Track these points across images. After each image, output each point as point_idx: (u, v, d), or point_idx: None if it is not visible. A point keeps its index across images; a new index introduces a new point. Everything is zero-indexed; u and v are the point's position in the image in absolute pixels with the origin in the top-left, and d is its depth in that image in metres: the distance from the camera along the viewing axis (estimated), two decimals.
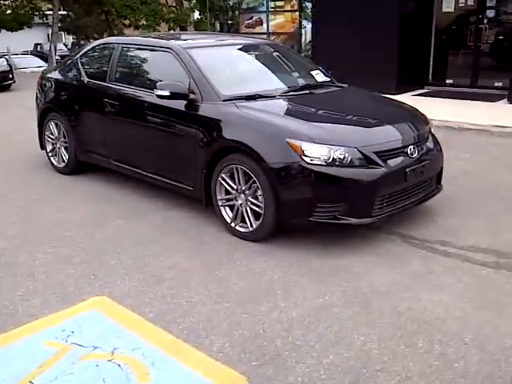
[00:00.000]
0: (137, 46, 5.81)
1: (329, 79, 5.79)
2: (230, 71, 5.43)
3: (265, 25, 16.22)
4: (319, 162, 4.12)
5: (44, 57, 26.62)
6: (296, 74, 5.84)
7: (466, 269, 4.01)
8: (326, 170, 4.12)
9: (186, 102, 4.81)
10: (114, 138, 5.82)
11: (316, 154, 4.13)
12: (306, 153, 4.13)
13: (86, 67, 6.30)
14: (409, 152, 4.45)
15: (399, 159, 4.41)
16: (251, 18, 16.62)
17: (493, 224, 4.85)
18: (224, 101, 4.72)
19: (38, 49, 31.72)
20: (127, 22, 29.28)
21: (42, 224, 5.10)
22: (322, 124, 4.57)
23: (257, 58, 5.93)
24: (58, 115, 6.46)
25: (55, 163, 6.76)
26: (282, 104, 4.96)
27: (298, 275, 3.98)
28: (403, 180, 4.39)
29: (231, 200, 4.59)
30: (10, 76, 16.28)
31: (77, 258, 4.34)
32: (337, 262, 4.16)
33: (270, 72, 5.70)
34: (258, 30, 16.34)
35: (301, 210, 4.25)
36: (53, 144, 6.74)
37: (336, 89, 5.60)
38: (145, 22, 28.29)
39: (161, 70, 5.36)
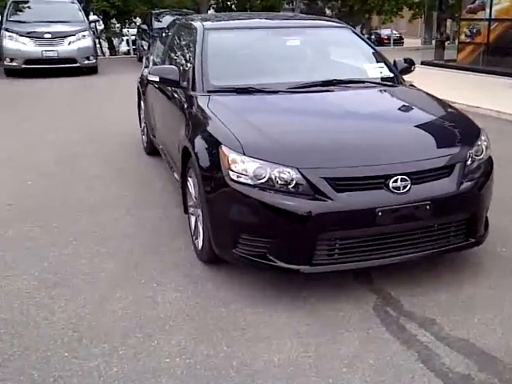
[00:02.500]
0: (176, 28, 5.33)
1: (389, 75, 4.48)
2: (246, 58, 4.56)
3: (487, 9, 13.95)
4: (246, 181, 3.16)
5: None
6: (338, 66, 4.64)
7: None
8: (252, 192, 3.14)
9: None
10: (155, 122, 5.69)
11: (244, 169, 3.17)
12: (232, 166, 3.20)
13: None
14: (391, 185, 3.14)
15: (368, 193, 3.15)
16: (474, 2, 14.52)
17: None
18: (208, 91, 3.96)
19: None
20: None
21: None
22: (280, 133, 3.49)
23: (295, 44, 4.85)
24: (142, 97, 6.48)
25: (143, 141, 6.79)
26: (266, 102, 4.01)
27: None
28: (371, 223, 3.12)
29: (194, 209, 3.85)
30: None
31: None
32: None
33: (296, 62, 4.64)
34: (479, 15, 14.20)
35: (225, 237, 3.37)
36: (143, 124, 6.80)
37: (376, 89, 4.31)
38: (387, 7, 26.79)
39: (188, 52, 4.74)
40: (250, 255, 3.25)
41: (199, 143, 3.59)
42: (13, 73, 14.18)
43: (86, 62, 14.38)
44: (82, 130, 8.07)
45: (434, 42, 19.62)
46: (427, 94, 4.30)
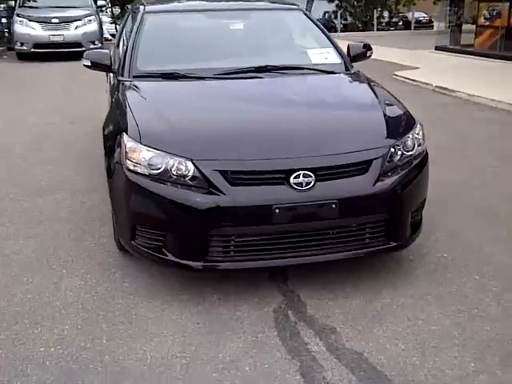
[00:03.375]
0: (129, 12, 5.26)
1: (335, 62, 4.17)
2: (183, 42, 4.31)
3: None
4: (141, 171, 3.00)
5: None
6: (279, 52, 4.35)
7: None
8: (145, 182, 2.98)
9: None
10: None
11: (140, 158, 3.01)
12: (129, 155, 3.04)
13: None
14: (292, 181, 2.91)
15: (266, 188, 2.93)
16: None
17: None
18: (134, 77, 3.82)
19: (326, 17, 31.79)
20: None
21: None
22: (184, 122, 3.30)
23: (238, 28, 4.59)
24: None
25: None
26: (187, 88, 3.83)
27: None
28: (267, 221, 2.91)
29: None
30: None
31: None
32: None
33: (236, 46, 4.34)
34: None
35: (124, 227, 3.22)
36: None
37: (310, 76, 4.01)
38: None
39: (128, 37, 4.56)
40: (146, 248, 3.10)
41: (108, 130, 3.48)
42: (24, 56, 14.54)
43: (92, 46, 14.48)
44: (67, 112, 8.08)
45: (449, 25, 18.46)
46: (369, 82, 3.96)
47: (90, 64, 4.08)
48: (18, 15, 14.65)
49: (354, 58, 4.37)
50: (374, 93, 3.73)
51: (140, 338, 2.85)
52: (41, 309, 3.09)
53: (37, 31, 14.40)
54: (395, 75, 11.96)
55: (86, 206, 4.45)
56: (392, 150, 3.14)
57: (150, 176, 2.96)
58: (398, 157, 3.17)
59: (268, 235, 2.99)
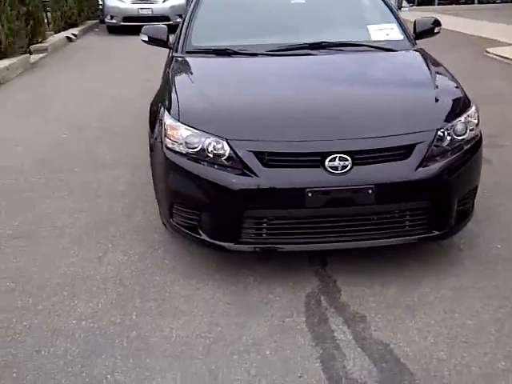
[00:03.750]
0: None
1: (397, 38, 3.97)
2: (240, 18, 4.25)
3: None
4: (178, 149, 3.03)
5: None
6: (339, 27, 4.19)
7: None
8: (181, 161, 3.00)
9: None
10: None
11: (178, 137, 3.03)
12: (168, 133, 3.08)
13: None
14: (327, 164, 2.83)
15: (299, 171, 2.87)
16: None
17: None
18: (187, 52, 3.84)
19: None
20: None
21: None
22: (225, 100, 3.25)
23: (300, 2, 4.47)
24: None
25: None
26: (236, 65, 3.80)
27: None
28: (300, 204, 2.86)
29: None
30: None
31: None
32: None
33: (295, 22, 4.21)
34: None
35: (164, 205, 3.28)
36: None
37: (367, 53, 3.84)
38: None
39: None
40: (183, 226, 3.13)
41: (153, 107, 3.50)
42: (114, 30, 14.92)
43: (179, 19, 14.52)
44: (142, 86, 8.20)
45: None
46: (428, 60, 3.73)
47: (147, 39, 4.12)
48: None
49: (419, 34, 4.16)
50: (430, 72, 3.52)
51: (169, 315, 2.90)
52: (81, 282, 3.20)
53: (126, 4, 14.72)
54: (487, 52, 11.24)
55: (141, 182, 4.53)
56: (440, 133, 2.96)
57: (187, 155, 2.97)
58: (447, 141, 2.99)
59: (301, 219, 2.93)
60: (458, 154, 3.01)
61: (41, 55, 10.84)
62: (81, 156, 5.27)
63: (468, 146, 3.07)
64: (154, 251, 3.50)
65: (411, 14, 19.09)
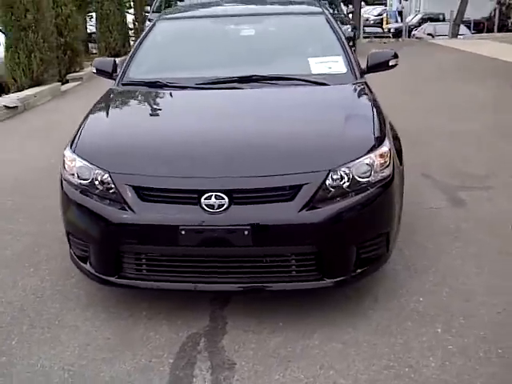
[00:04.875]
0: None
1: (338, 72, 3.80)
2: (182, 50, 4.23)
3: None
4: (72, 180, 3.05)
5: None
6: (277, 60, 4.01)
7: None
8: (73, 192, 3.02)
9: None
10: None
11: (72, 168, 3.05)
12: (65, 164, 3.11)
13: None
14: (203, 202, 2.73)
15: (175, 207, 2.78)
16: None
17: None
18: (123, 84, 3.88)
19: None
20: None
21: None
22: (122, 134, 3.25)
23: (248, 34, 4.38)
24: None
25: None
26: (157, 98, 3.80)
27: None
28: (174, 242, 2.77)
29: None
30: (351, 43, 16.01)
31: None
32: None
33: (236, 55, 4.12)
34: None
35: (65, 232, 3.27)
36: None
37: (296, 87, 3.67)
38: None
39: None
40: (77, 257, 3.11)
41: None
42: None
43: None
44: None
45: None
46: (360, 95, 3.55)
47: (95, 71, 4.21)
48: (149, 20, 15.56)
49: (371, 67, 3.98)
50: (352, 108, 3.33)
51: (46, 344, 2.87)
52: None
53: None
54: None
55: None
56: (334, 174, 2.78)
57: (79, 186, 2.96)
58: (345, 183, 2.80)
59: (178, 257, 2.83)
60: (356, 196, 2.82)
61: (75, 83, 11.38)
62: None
63: (372, 188, 2.86)
64: (69, 278, 3.49)
65: (461, 42, 18.53)
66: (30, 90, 9.76)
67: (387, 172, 2.93)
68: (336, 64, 3.81)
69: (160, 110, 3.59)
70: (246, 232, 2.67)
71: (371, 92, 3.66)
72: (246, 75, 3.68)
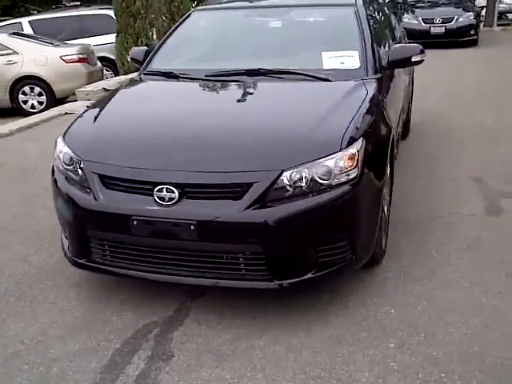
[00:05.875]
0: None
1: (351, 67, 3.63)
2: (208, 41, 4.30)
3: None
4: (60, 166, 3.24)
5: None
6: (296, 54, 3.91)
7: None
8: (58, 176, 3.23)
9: None
10: None
11: (59, 154, 3.26)
12: (56, 150, 3.33)
13: None
14: (155, 194, 2.80)
15: (132, 198, 2.87)
16: None
17: None
18: (144, 74, 4.06)
19: None
20: None
21: None
22: (109, 123, 3.39)
23: (276, 26, 4.27)
24: None
25: None
26: (165, 88, 3.89)
27: None
28: (127, 231, 2.87)
29: None
30: (472, 32, 14.75)
31: None
32: None
33: (257, 47, 4.08)
34: None
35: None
36: None
37: (298, 83, 3.58)
38: None
39: None
40: (62, 239, 3.33)
41: None
42: None
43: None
44: None
45: None
46: (358, 93, 3.34)
47: (130, 59, 4.41)
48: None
49: (391, 63, 3.78)
50: (335, 107, 3.17)
51: (20, 317, 3.09)
52: None
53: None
54: None
55: None
56: (288, 174, 2.72)
57: (63, 172, 3.15)
58: (303, 183, 2.73)
59: (134, 246, 2.92)
60: (312, 198, 2.73)
61: None
62: None
63: (332, 190, 2.75)
64: None
65: None
66: (134, 73, 10.32)
67: (352, 175, 2.79)
68: (350, 59, 3.66)
69: (151, 102, 3.68)
70: (192, 227, 2.69)
71: (379, 90, 3.49)
72: (254, 68, 3.67)
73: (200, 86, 3.73)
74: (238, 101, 3.49)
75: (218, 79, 3.70)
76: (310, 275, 2.80)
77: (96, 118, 3.40)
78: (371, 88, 3.43)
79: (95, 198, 2.90)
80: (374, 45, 3.77)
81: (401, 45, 3.93)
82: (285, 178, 2.70)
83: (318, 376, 2.55)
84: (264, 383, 2.53)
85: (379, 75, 3.64)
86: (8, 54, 9.23)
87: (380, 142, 3.15)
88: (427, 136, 6.28)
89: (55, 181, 3.22)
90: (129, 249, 2.93)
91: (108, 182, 2.90)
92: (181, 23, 4.40)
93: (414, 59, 3.75)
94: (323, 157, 2.75)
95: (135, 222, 2.78)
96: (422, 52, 3.76)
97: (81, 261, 3.09)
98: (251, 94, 3.57)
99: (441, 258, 3.51)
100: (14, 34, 9.89)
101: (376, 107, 3.28)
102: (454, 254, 3.54)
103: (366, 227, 2.95)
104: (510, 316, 2.90)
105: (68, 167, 3.11)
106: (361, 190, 2.84)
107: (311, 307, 3.05)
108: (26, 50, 9.28)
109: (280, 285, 2.78)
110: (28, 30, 11.26)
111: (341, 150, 2.79)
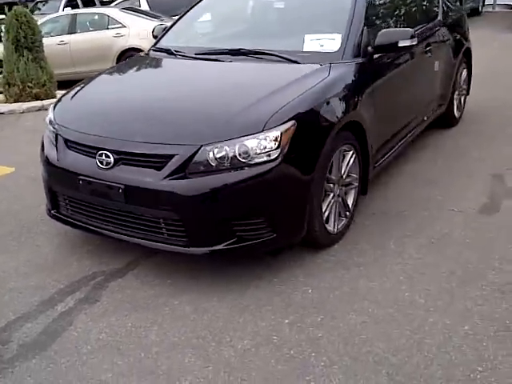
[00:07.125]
0: None
1: (329, 51, 3.63)
2: (215, 20, 4.56)
3: None
4: (48, 128, 3.74)
5: None
6: (284, 35, 4.01)
7: None
8: (44, 137, 3.73)
9: None
10: None
11: (46, 116, 3.76)
12: (47, 116, 3.82)
13: None
14: (97, 158, 3.16)
15: (82, 159, 3.26)
16: None
17: None
18: (153, 50, 4.44)
19: None
20: None
21: None
22: (89, 94, 3.81)
23: (279, 7, 4.38)
24: None
25: None
26: (153, 64, 4.28)
27: None
28: (76, 188, 3.26)
29: None
30: None
31: None
32: None
33: (254, 28, 4.33)
34: None
35: None
36: None
37: (271, 64, 3.69)
38: None
39: None
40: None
41: None
42: None
43: None
44: None
45: None
46: (317, 77, 3.36)
47: (153, 36, 4.77)
48: None
49: (377, 48, 3.76)
50: (284, 88, 3.27)
51: (3, 254, 3.66)
52: None
53: None
54: None
55: None
56: (212, 150, 2.94)
57: (47, 133, 3.64)
58: (223, 159, 2.93)
59: (84, 202, 3.31)
60: (228, 173, 2.92)
61: None
62: None
63: (249, 168, 2.93)
64: None
65: None
66: None
67: (273, 155, 2.93)
68: (331, 42, 3.68)
69: (134, 75, 4.06)
70: (120, 190, 3.02)
71: (354, 75, 3.53)
72: (235, 48, 3.87)
73: (184, 63, 4.01)
74: (198, 79, 3.75)
75: (203, 57, 3.95)
76: (222, 246, 2.99)
77: (82, 90, 3.84)
78: (336, 72, 3.46)
79: (57, 158, 3.32)
80: (364, 29, 3.74)
81: (389, 29, 3.85)
82: (206, 153, 2.90)
83: (202, 336, 2.76)
84: (154, 335, 2.79)
85: (360, 60, 3.64)
86: (117, 28, 10.05)
87: (319, 129, 3.21)
88: (474, 127, 5.96)
89: (42, 142, 3.68)
90: (80, 204, 3.33)
91: (69, 144, 3.32)
92: (194, 5, 4.68)
93: (400, 44, 3.68)
94: (243, 136, 2.92)
95: (81, 182, 3.17)
96: (412, 37, 3.69)
97: (53, 212, 3.54)
98: (216, 73, 3.79)
99: (395, 250, 3.48)
100: (124, 8, 10.72)
101: (329, 92, 3.32)
102: (412, 248, 3.49)
103: (288, 209, 3.06)
104: (421, 313, 2.87)
105: (53, 130, 3.56)
106: (282, 172, 2.96)
107: (241, 278, 3.24)
108: (132, 24, 10.04)
109: (197, 251, 3.01)
110: (144, 6, 12.07)
111: (263, 131, 2.93)
